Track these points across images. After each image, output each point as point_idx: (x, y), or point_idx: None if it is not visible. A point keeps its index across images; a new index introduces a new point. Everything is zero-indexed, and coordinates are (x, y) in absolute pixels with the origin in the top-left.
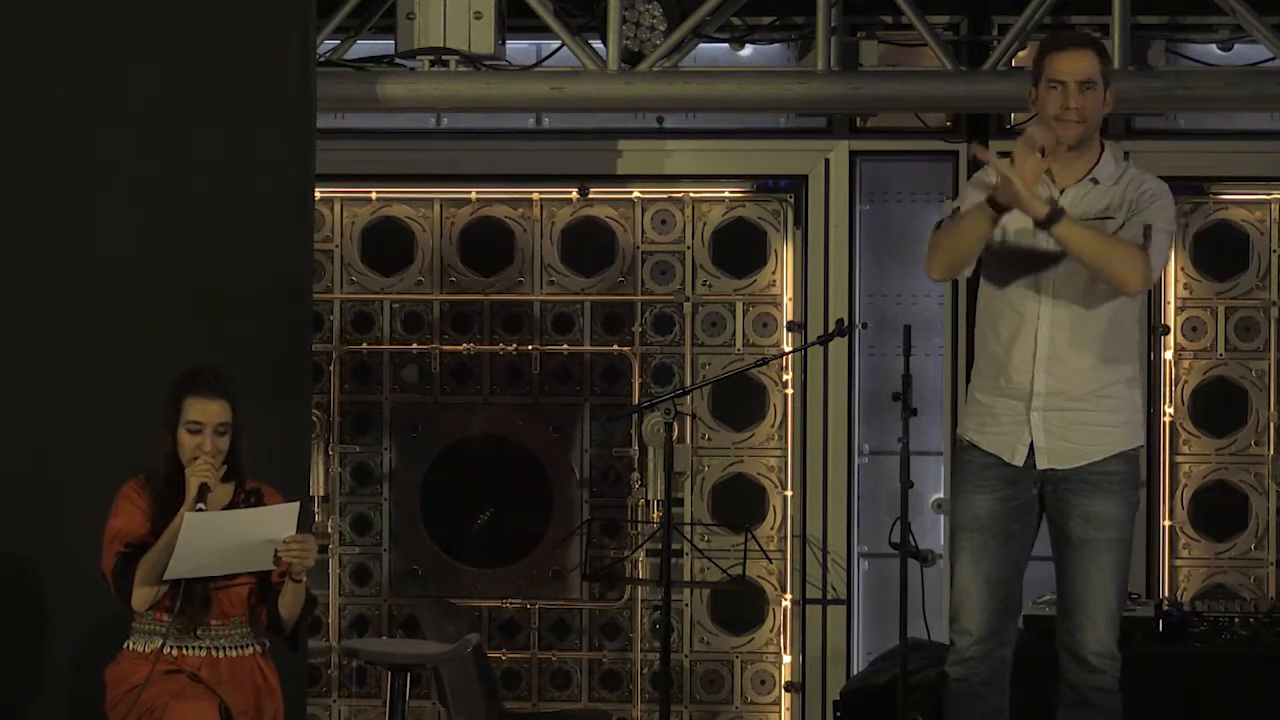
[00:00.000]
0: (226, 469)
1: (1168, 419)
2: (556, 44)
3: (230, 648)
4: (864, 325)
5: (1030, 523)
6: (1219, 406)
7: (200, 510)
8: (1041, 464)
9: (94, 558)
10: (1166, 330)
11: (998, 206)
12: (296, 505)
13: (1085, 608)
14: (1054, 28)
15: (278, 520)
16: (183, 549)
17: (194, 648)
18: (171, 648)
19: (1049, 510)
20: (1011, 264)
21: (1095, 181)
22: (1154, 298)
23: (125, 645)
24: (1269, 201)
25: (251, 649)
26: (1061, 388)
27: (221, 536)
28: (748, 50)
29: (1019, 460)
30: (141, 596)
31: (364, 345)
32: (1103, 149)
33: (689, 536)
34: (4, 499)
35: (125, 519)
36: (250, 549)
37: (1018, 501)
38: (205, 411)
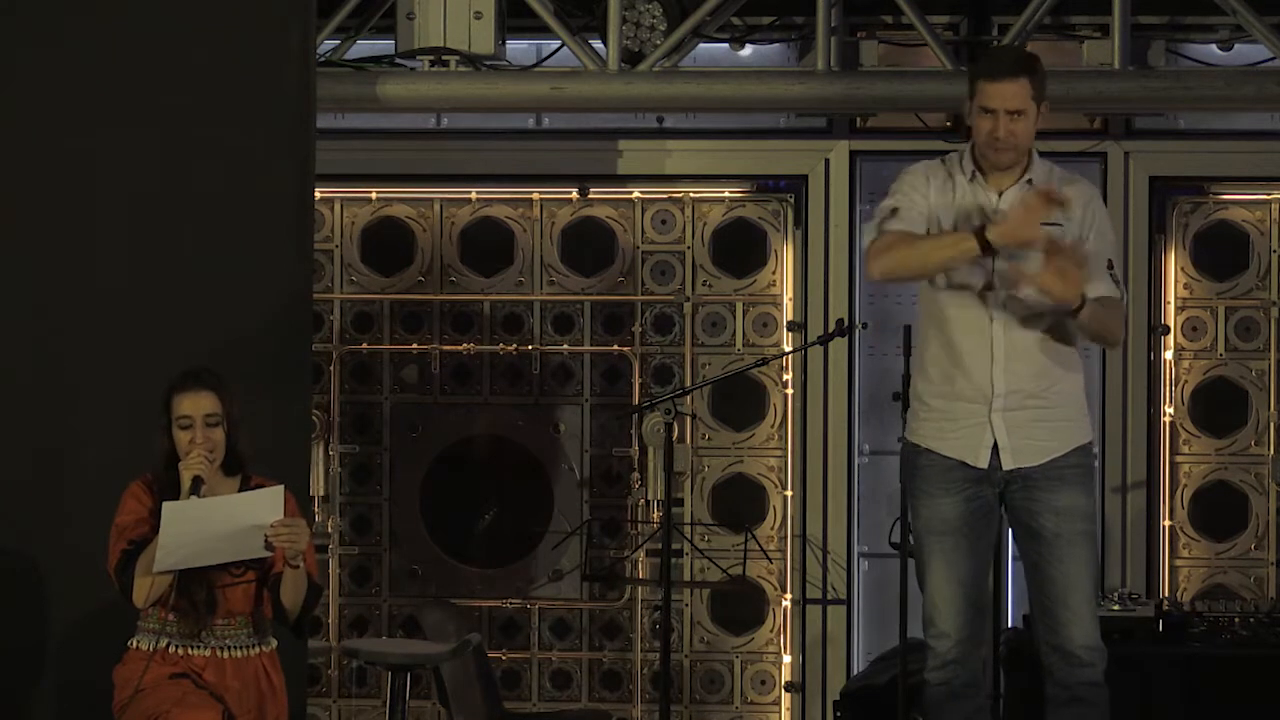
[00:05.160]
0: (227, 462)
1: (1168, 419)
2: (556, 44)
3: (235, 648)
4: (864, 325)
5: (993, 523)
6: (1219, 406)
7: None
8: (1007, 464)
9: (95, 556)
10: (1166, 330)
11: (988, 247)
12: (281, 488)
13: (1068, 602)
14: (1054, 28)
15: (264, 505)
16: (167, 538)
17: (199, 648)
18: (177, 647)
19: (1014, 511)
20: (959, 269)
21: (1030, 183)
22: (1154, 298)
23: (131, 644)
24: (1269, 201)
25: (257, 649)
26: (1020, 386)
27: (206, 524)
28: (748, 50)
29: (982, 462)
30: (141, 591)
31: (364, 345)
32: (1030, 153)
33: (689, 536)
34: (5, 499)
35: (129, 516)
36: (238, 535)
37: (980, 501)
38: (193, 405)
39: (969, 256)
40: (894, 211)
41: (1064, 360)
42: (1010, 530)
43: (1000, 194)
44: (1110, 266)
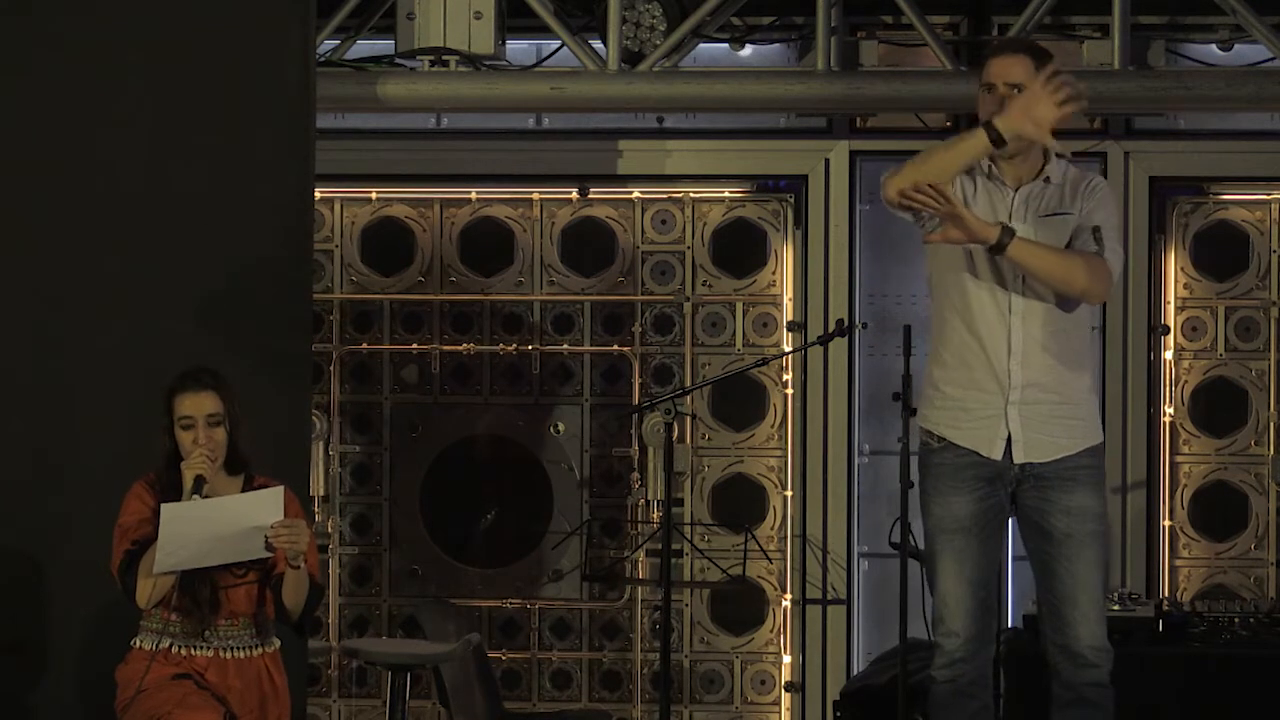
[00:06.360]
0: (230, 461)
1: (1168, 419)
2: (556, 44)
3: (238, 648)
4: (864, 325)
5: (1004, 522)
6: (1219, 406)
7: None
8: (1018, 458)
9: (96, 555)
10: (1166, 330)
11: (997, 137)
12: (281, 489)
13: (1076, 603)
14: (1054, 28)
15: (263, 506)
16: (166, 540)
17: (202, 648)
18: (179, 647)
19: (1025, 510)
20: (980, 257)
21: (1048, 180)
22: (1154, 298)
23: (134, 644)
24: (1269, 201)
25: (260, 649)
26: (1036, 380)
27: (206, 525)
28: (748, 50)
29: (997, 454)
30: (144, 591)
31: (364, 345)
32: (1047, 151)
33: (689, 536)
34: (5, 499)
35: (132, 517)
36: (239, 537)
37: (994, 500)
38: (195, 405)
39: (982, 148)
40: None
41: (1076, 359)
42: (1018, 529)
43: (1016, 190)
44: (1097, 235)
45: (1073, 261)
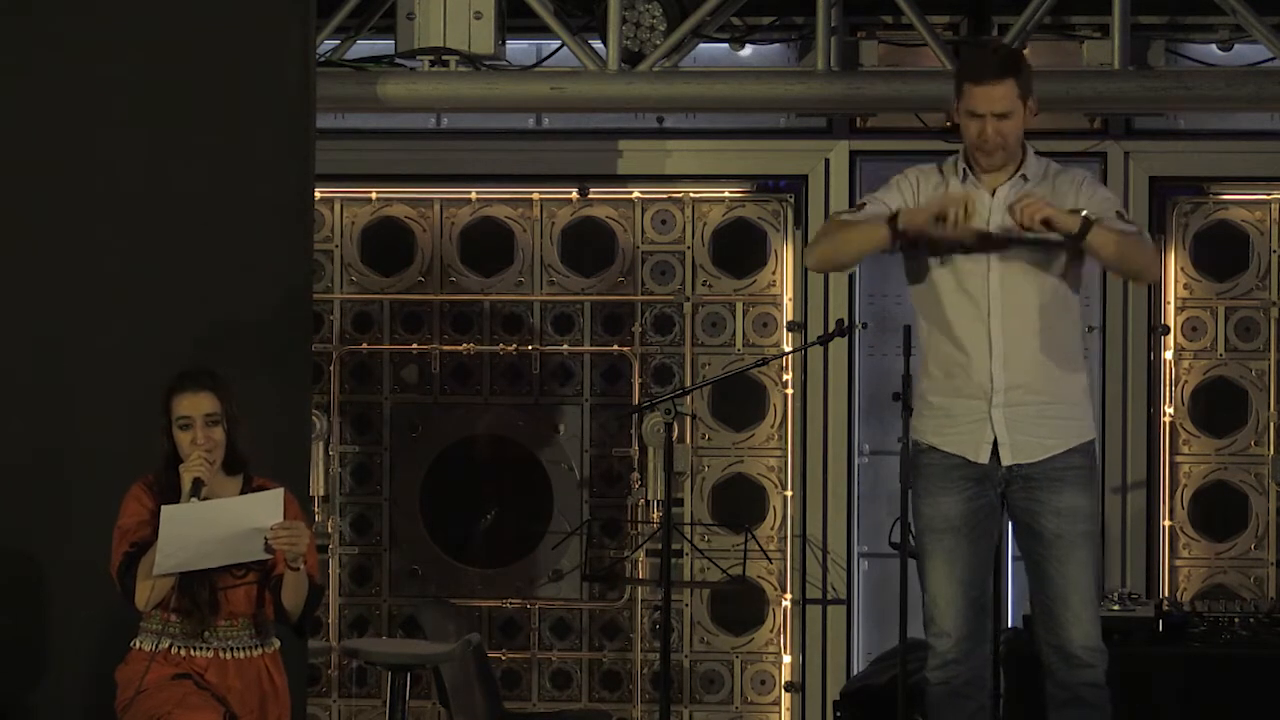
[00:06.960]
0: (229, 461)
1: (1168, 419)
2: (556, 44)
3: (238, 649)
4: (864, 325)
5: (996, 522)
6: (1219, 406)
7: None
8: (1006, 460)
9: (94, 554)
10: (1166, 330)
11: (898, 231)
12: (281, 491)
13: (1069, 603)
14: (1054, 28)
15: (263, 508)
16: (166, 542)
17: (202, 648)
18: (179, 648)
19: (1016, 511)
20: (955, 264)
21: (1025, 178)
22: (1154, 298)
23: (134, 645)
24: (1269, 201)
25: (260, 650)
26: (1020, 381)
27: (206, 527)
28: (748, 50)
29: (983, 458)
30: (142, 593)
31: (364, 345)
32: (1025, 149)
33: (689, 536)
34: (5, 499)
35: (131, 519)
36: (239, 539)
37: (983, 500)
38: (192, 405)
39: (880, 243)
40: (861, 206)
41: (1065, 358)
42: (1012, 529)
43: (993, 192)
44: (1121, 216)
45: (1139, 243)
